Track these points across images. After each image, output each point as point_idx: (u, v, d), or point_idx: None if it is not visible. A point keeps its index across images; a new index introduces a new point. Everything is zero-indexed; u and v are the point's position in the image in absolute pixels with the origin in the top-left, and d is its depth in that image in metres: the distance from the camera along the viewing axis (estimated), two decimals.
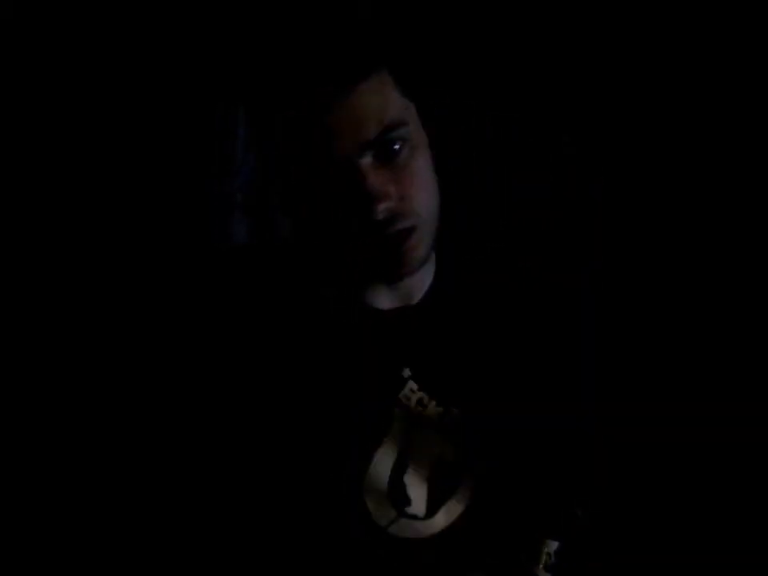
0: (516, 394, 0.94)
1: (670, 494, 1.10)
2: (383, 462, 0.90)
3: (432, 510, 0.91)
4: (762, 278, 1.12)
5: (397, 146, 0.85)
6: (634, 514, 1.07)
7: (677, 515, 1.09)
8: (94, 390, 1.10)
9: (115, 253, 1.15)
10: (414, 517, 0.90)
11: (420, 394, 0.92)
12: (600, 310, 1.01)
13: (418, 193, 0.87)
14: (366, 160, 0.84)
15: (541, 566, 0.84)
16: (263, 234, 1.24)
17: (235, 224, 1.26)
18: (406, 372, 0.92)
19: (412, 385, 0.92)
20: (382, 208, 0.83)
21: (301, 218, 0.91)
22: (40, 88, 1.14)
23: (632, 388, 1.04)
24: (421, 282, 0.96)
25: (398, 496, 0.90)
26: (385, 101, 0.85)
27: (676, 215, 1.15)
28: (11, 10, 1.14)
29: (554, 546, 0.85)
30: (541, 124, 1.15)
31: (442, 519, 0.91)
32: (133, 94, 1.16)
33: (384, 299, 0.95)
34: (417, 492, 0.90)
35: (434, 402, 0.91)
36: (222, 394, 0.90)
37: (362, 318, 0.93)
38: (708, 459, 1.10)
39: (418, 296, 0.96)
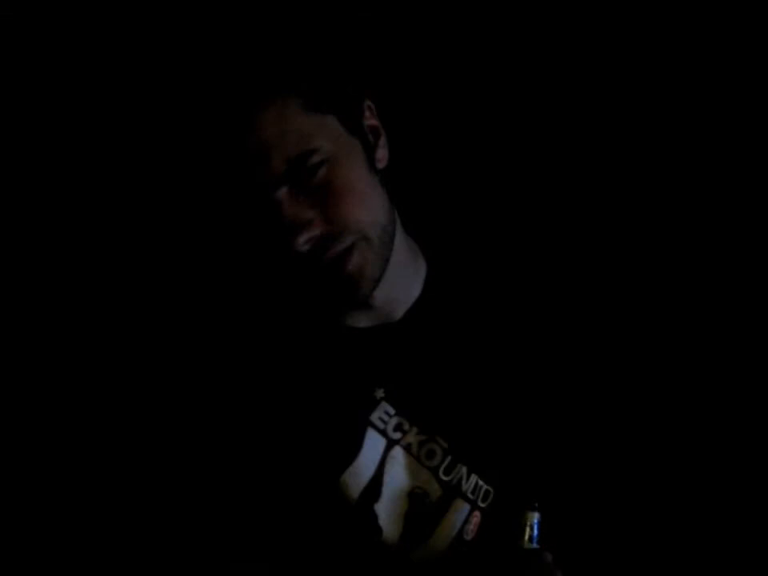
0: (507, 419, 0.87)
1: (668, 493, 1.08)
2: (352, 486, 0.84)
3: (409, 543, 0.85)
4: (760, 289, 1.10)
5: (311, 169, 0.79)
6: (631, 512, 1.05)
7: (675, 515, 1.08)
8: (87, 390, 1.10)
9: (113, 253, 1.15)
10: (388, 546, 0.85)
11: (398, 419, 0.86)
12: (596, 338, 0.96)
13: (350, 208, 0.80)
14: (281, 191, 0.78)
15: (525, 538, 0.80)
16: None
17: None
18: (379, 393, 0.86)
19: (387, 407, 0.86)
20: (304, 239, 0.78)
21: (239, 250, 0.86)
22: (39, 88, 1.14)
23: (625, 402, 1.00)
24: (405, 295, 0.90)
25: (367, 524, 0.84)
26: (287, 132, 0.78)
27: (674, 218, 1.13)
28: (11, 10, 1.14)
29: (534, 517, 0.81)
30: (538, 127, 1.14)
31: (421, 553, 0.85)
32: (132, 93, 1.16)
33: (361, 317, 0.89)
34: (389, 523, 0.85)
35: (415, 429, 0.86)
36: (210, 396, 0.88)
37: (336, 337, 0.88)
38: (707, 459, 1.09)
39: (400, 312, 0.90)
